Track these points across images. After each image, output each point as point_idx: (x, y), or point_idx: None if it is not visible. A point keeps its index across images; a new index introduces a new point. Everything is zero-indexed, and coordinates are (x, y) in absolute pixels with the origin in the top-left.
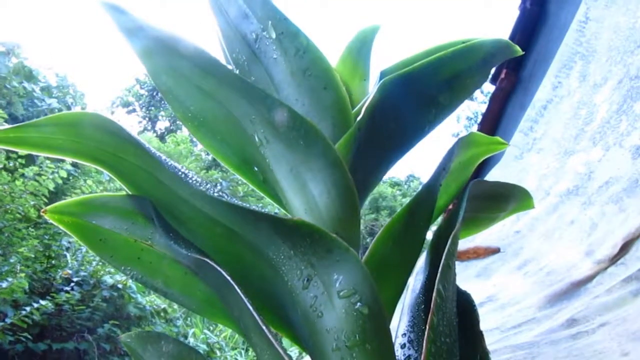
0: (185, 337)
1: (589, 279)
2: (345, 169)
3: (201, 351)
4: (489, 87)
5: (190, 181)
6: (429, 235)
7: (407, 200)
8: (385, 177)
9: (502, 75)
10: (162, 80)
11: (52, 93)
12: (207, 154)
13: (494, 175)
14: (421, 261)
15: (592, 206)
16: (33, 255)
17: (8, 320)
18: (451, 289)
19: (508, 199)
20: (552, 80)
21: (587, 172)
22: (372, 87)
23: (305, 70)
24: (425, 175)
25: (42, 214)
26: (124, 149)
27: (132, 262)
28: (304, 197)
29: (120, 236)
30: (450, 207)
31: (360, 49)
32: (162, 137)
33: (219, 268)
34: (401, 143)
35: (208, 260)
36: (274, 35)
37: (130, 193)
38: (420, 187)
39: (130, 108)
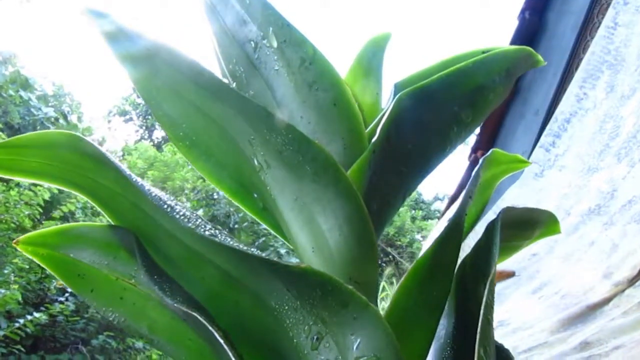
0: None
1: (606, 301)
2: (360, 201)
3: None
4: None
5: (177, 216)
6: None
7: (404, 210)
8: None
9: None
10: (151, 94)
11: (48, 102)
12: None
13: (511, 194)
14: None
15: (614, 226)
16: (27, 266)
17: (1, 333)
18: (492, 350)
19: (535, 225)
20: (577, 91)
21: (610, 191)
22: (386, 102)
23: (311, 83)
24: (424, 188)
25: (14, 244)
26: (105, 175)
27: (114, 303)
28: (312, 232)
29: (101, 272)
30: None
31: (372, 60)
32: (159, 146)
33: (209, 325)
34: (420, 166)
35: (196, 315)
36: (275, 44)
37: (112, 223)
38: (445, 225)
39: (127, 117)
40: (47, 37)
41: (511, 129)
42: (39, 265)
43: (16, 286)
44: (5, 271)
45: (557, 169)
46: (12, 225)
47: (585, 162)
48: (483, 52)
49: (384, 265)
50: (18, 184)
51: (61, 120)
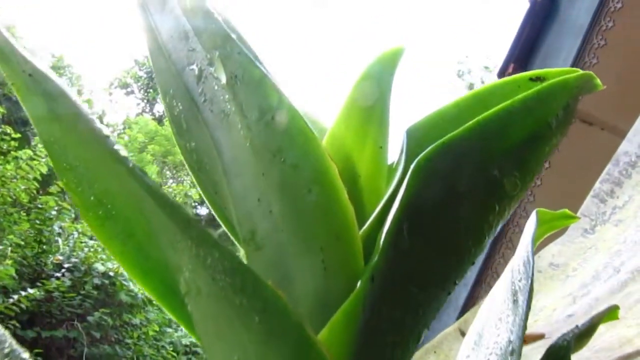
0: (178, 323)
1: None
2: None
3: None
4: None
5: None
6: None
7: None
8: None
9: (510, 70)
10: (52, 134)
11: None
12: None
13: (551, 251)
14: None
15: None
16: (23, 242)
17: None
18: None
19: (596, 327)
20: None
21: None
22: (396, 158)
23: (275, 150)
24: None
25: None
26: None
27: None
28: None
29: None
30: None
31: (374, 92)
32: (160, 120)
33: None
34: (445, 280)
35: None
36: (223, 78)
37: None
38: None
39: (129, 90)
40: (47, 8)
41: None
42: (35, 240)
43: (10, 261)
44: (1, 247)
45: (613, 224)
46: (9, 199)
47: None
48: (530, 79)
49: None
50: (15, 157)
51: None
